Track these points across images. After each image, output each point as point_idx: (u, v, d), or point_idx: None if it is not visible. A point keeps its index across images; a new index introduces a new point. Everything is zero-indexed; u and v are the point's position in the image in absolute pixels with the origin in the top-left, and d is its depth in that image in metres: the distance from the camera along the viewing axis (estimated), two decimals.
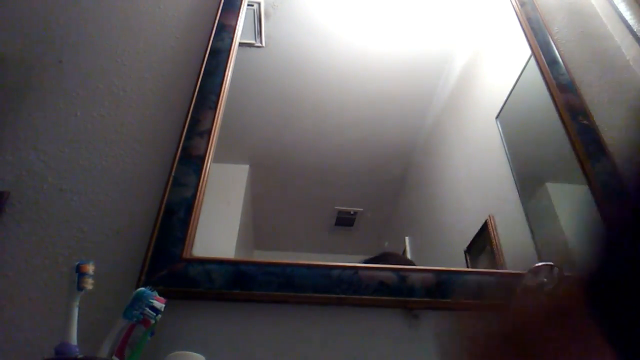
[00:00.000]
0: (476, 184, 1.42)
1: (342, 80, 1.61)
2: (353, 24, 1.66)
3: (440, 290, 0.87)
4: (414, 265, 1.20)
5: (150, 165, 1.01)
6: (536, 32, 1.39)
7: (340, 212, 1.48)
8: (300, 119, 1.58)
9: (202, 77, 1.12)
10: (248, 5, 1.41)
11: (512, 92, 1.38)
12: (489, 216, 1.23)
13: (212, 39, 1.21)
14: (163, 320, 0.68)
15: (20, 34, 1.20)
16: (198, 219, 0.92)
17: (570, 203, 1.22)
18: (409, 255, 1.34)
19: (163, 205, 0.92)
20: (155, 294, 0.67)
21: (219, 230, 1.16)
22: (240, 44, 1.27)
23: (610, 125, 1.19)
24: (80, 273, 0.66)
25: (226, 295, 0.83)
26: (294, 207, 1.51)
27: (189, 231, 0.89)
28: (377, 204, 1.54)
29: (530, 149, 1.35)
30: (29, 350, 0.76)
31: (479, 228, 1.23)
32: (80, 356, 0.63)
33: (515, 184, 1.25)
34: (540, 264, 0.63)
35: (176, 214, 0.91)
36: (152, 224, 0.90)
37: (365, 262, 1.05)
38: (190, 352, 0.72)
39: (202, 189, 0.96)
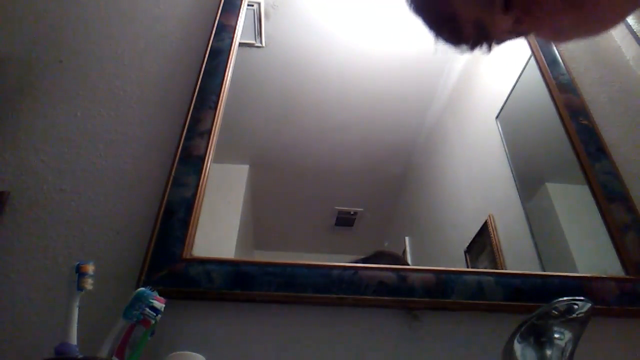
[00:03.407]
0: (476, 184, 1.42)
1: (342, 80, 1.61)
2: (353, 24, 1.66)
3: (440, 290, 0.87)
4: (408, 264, 1.20)
5: (150, 165, 1.00)
6: None
7: (340, 212, 1.48)
8: (301, 119, 1.58)
9: (202, 77, 1.12)
10: (248, 5, 1.41)
11: (512, 92, 1.38)
12: (489, 216, 1.23)
13: (212, 39, 1.21)
14: (163, 320, 0.68)
15: (20, 34, 1.20)
16: (198, 219, 0.92)
17: (570, 203, 1.22)
18: (409, 255, 1.34)
19: (163, 205, 0.92)
20: (155, 294, 0.67)
21: (219, 230, 1.16)
22: (240, 44, 1.27)
23: (610, 125, 1.19)
24: (80, 273, 0.66)
25: (226, 295, 0.83)
26: (294, 207, 1.51)
27: (189, 231, 0.89)
28: (377, 204, 1.54)
29: (530, 149, 1.35)
30: (29, 350, 0.76)
31: (479, 228, 1.23)
32: (80, 356, 0.63)
33: (515, 184, 1.25)
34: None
35: (176, 214, 0.91)
36: (152, 224, 0.90)
37: (359, 261, 1.05)
38: (190, 352, 0.72)
39: (202, 189, 0.96)
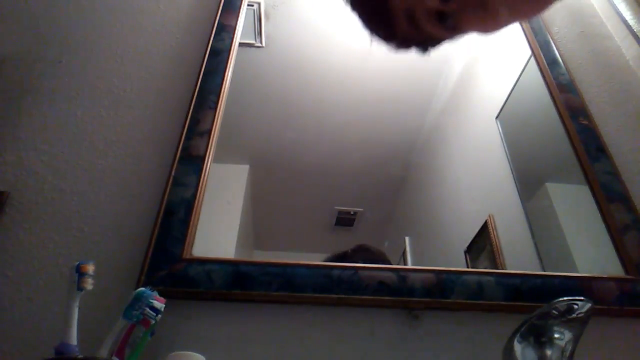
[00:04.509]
0: (476, 184, 1.42)
1: (341, 80, 1.61)
2: (353, 24, 1.66)
3: (440, 290, 0.87)
4: (387, 258, 1.18)
5: (150, 165, 1.00)
6: (536, 32, 1.39)
7: (340, 212, 1.48)
8: (301, 119, 1.58)
9: (202, 77, 1.12)
10: (248, 5, 1.41)
11: (512, 92, 1.38)
12: (489, 216, 1.23)
13: (212, 39, 1.21)
14: (163, 320, 0.68)
15: (20, 34, 1.20)
16: (198, 219, 0.92)
17: (570, 203, 1.22)
18: (409, 255, 1.34)
19: (163, 205, 0.92)
20: (156, 294, 0.67)
21: (219, 230, 1.16)
22: (240, 44, 1.27)
23: (610, 125, 1.19)
24: (80, 273, 0.66)
25: (226, 295, 0.83)
26: (294, 207, 1.51)
27: (189, 231, 0.89)
28: (377, 204, 1.54)
29: (530, 149, 1.35)
30: (29, 350, 0.76)
31: (479, 228, 1.23)
32: (80, 356, 0.63)
33: (515, 184, 1.25)
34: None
35: (176, 214, 0.91)
36: (152, 224, 0.90)
37: (340, 256, 1.06)
38: (190, 352, 0.72)
39: (202, 189, 0.96)
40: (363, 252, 1.14)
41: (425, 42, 0.47)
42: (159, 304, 0.66)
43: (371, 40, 0.47)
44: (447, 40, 0.46)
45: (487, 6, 0.37)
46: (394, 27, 0.44)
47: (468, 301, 0.87)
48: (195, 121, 1.04)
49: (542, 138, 1.35)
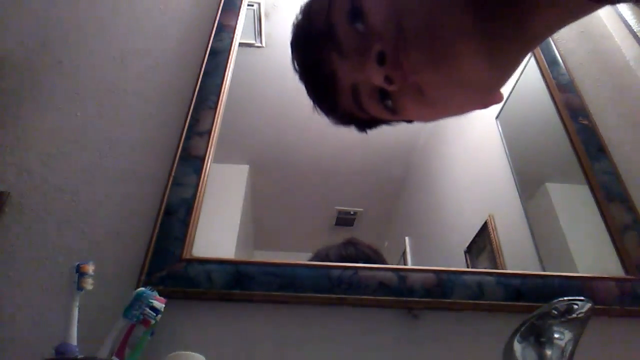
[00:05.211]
0: (476, 184, 1.42)
1: None
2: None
3: (440, 290, 0.87)
4: (378, 253, 1.14)
5: (150, 165, 1.00)
6: None
7: (340, 212, 1.48)
8: (301, 119, 1.58)
9: (202, 77, 1.12)
10: (248, 5, 1.41)
11: (512, 92, 1.38)
12: (489, 216, 1.23)
13: (212, 39, 1.21)
14: (163, 320, 0.68)
15: (20, 34, 1.20)
16: (198, 219, 0.92)
17: (570, 203, 1.22)
18: (409, 256, 1.34)
19: (163, 206, 0.92)
20: (155, 294, 0.67)
21: (219, 230, 1.16)
22: (240, 44, 1.27)
23: (610, 125, 1.19)
24: (80, 273, 0.66)
25: (226, 295, 0.83)
26: (294, 207, 1.51)
27: (189, 231, 0.89)
28: (377, 204, 1.54)
29: (530, 149, 1.35)
30: (29, 350, 0.76)
31: (479, 228, 1.23)
32: (80, 356, 0.63)
33: (515, 184, 1.25)
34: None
35: (176, 214, 0.91)
36: (152, 224, 0.90)
37: (328, 250, 1.02)
38: (190, 352, 0.72)
39: (202, 189, 0.96)
40: (351, 247, 1.08)
41: (364, 122, 0.48)
42: (159, 304, 0.66)
43: (313, 110, 0.48)
44: (385, 122, 0.48)
45: (424, 97, 0.38)
46: (338, 101, 0.45)
47: (468, 301, 0.87)
48: (195, 121, 1.04)
49: (542, 138, 1.35)
